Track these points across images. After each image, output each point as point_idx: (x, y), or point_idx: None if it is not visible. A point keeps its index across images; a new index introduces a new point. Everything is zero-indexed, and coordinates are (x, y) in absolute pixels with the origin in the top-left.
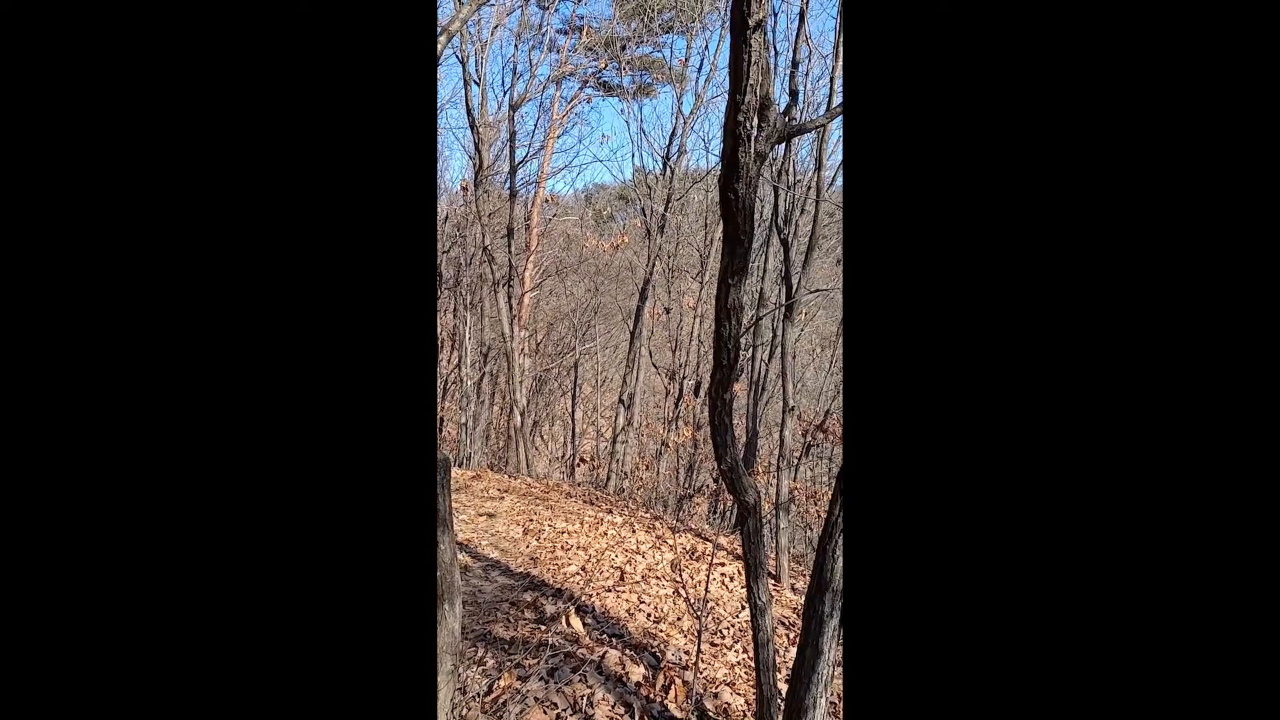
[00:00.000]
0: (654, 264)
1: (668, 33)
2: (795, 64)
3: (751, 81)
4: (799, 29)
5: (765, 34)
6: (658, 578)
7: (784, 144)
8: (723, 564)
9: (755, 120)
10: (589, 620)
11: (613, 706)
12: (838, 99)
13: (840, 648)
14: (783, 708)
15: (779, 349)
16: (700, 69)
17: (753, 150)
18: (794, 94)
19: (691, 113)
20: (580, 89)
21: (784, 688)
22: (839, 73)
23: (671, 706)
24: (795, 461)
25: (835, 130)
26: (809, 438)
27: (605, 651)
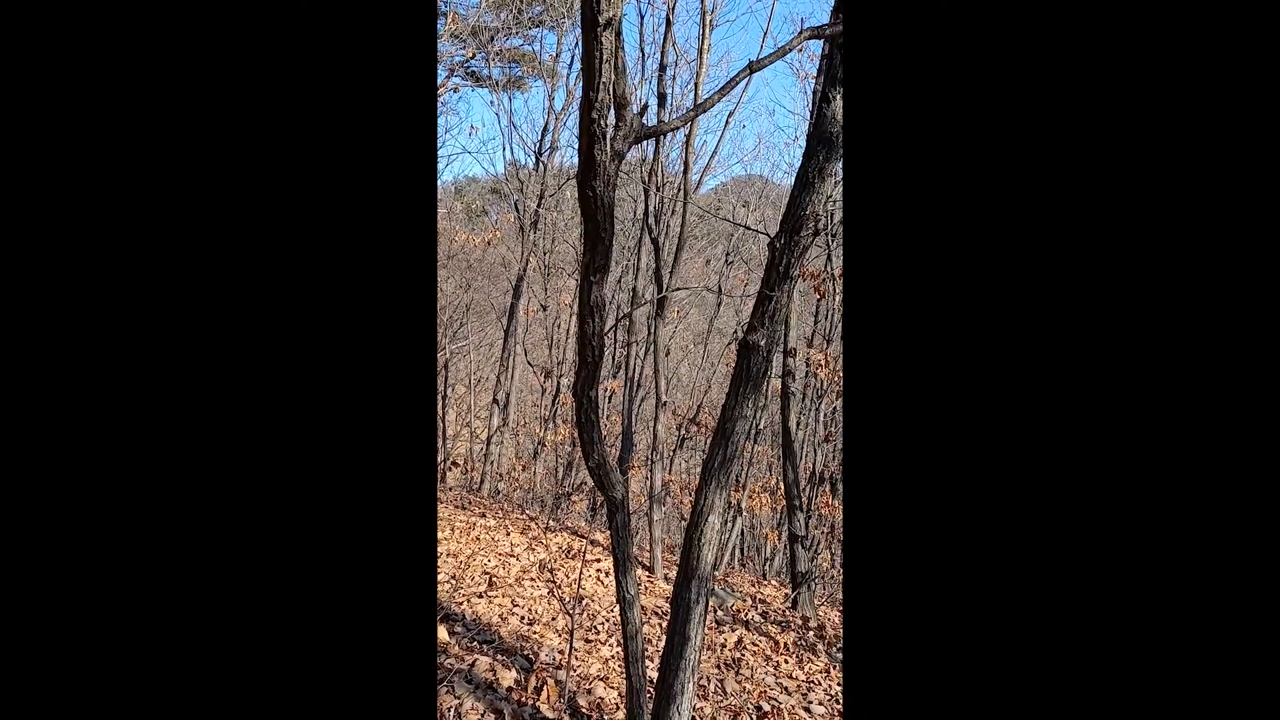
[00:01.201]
0: (528, 260)
1: (538, 27)
2: (663, 67)
3: (604, 79)
4: (666, 33)
5: (618, 33)
6: (531, 579)
7: (654, 146)
8: (599, 560)
9: (610, 118)
10: (458, 629)
11: (482, 715)
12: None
13: (704, 632)
14: (653, 695)
15: (653, 346)
16: (571, 65)
17: (609, 148)
18: (662, 97)
19: (564, 109)
20: (447, 78)
21: (656, 676)
22: (703, 77)
23: (544, 708)
24: (671, 455)
25: (702, 135)
26: (683, 431)
27: (475, 659)
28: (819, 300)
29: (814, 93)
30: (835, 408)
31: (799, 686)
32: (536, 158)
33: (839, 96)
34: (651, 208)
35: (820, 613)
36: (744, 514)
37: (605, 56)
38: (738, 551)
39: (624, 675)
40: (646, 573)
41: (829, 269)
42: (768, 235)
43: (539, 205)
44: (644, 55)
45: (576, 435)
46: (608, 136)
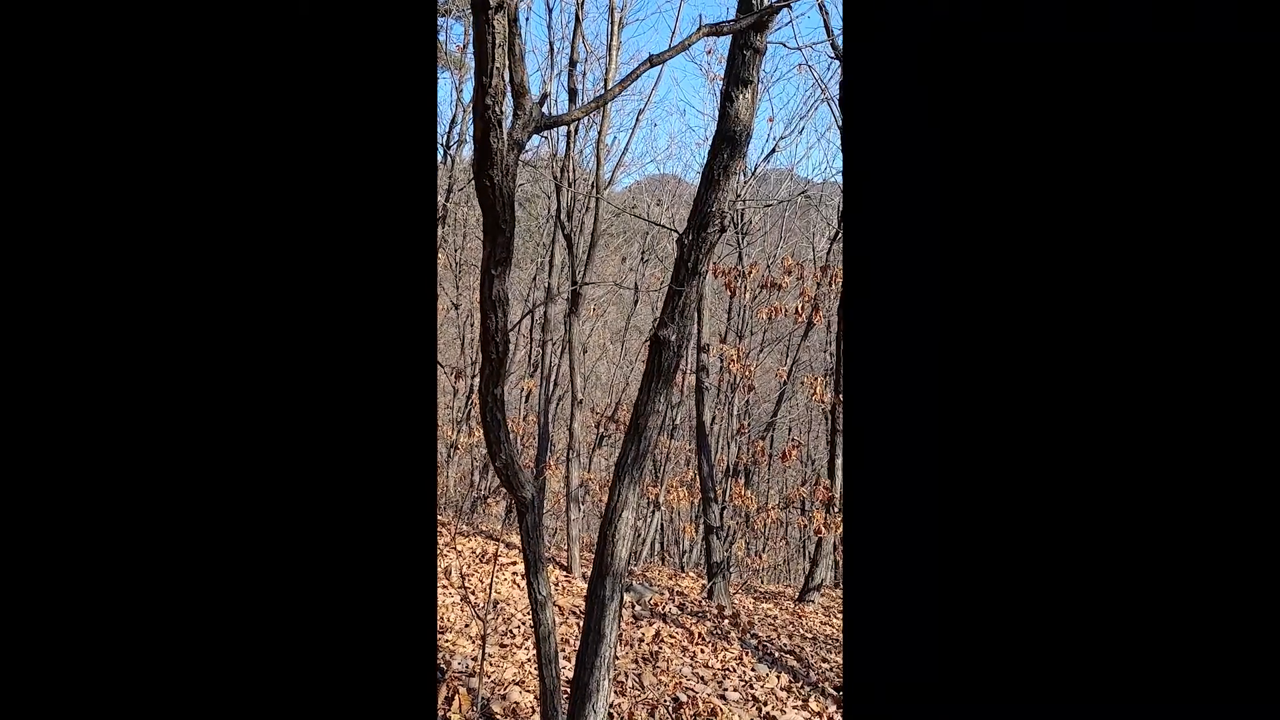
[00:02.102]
0: (437, 257)
1: (444, 16)
2: (573, 63)
3: (497, 64)
4: (576, 29)
5: (512, 19)
6: (443, 587)
7: (565, 142)
8: (514, 563)
9: (505, 105)
10: None
11: None
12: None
13: (620, 628)
14: (569, 694)
15: (568, 343)
16: None
17: (505, 137)
18: (572, 93)
19: (471, 101)
20: None
21: (572, 675)
22: (614, 74)
23: (455, 717)
24: (590, 453)
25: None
26: (601, 429)
27: None
28: (731, 297)
29: (720, 93)
30: (748, 401)
31: (714, 675)
32: (444, 150)
33: (742, 95)
34: (563, 204)
35: (735, 601)
36: (662, 508)
37: (498, 41)
38: (656, 545)
39: (539, 678)
40: (564, 572)
41: (740, 266)
42: (677, 231)
43: (447, 200)
44: (554, 50)
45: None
46: (504, 125)
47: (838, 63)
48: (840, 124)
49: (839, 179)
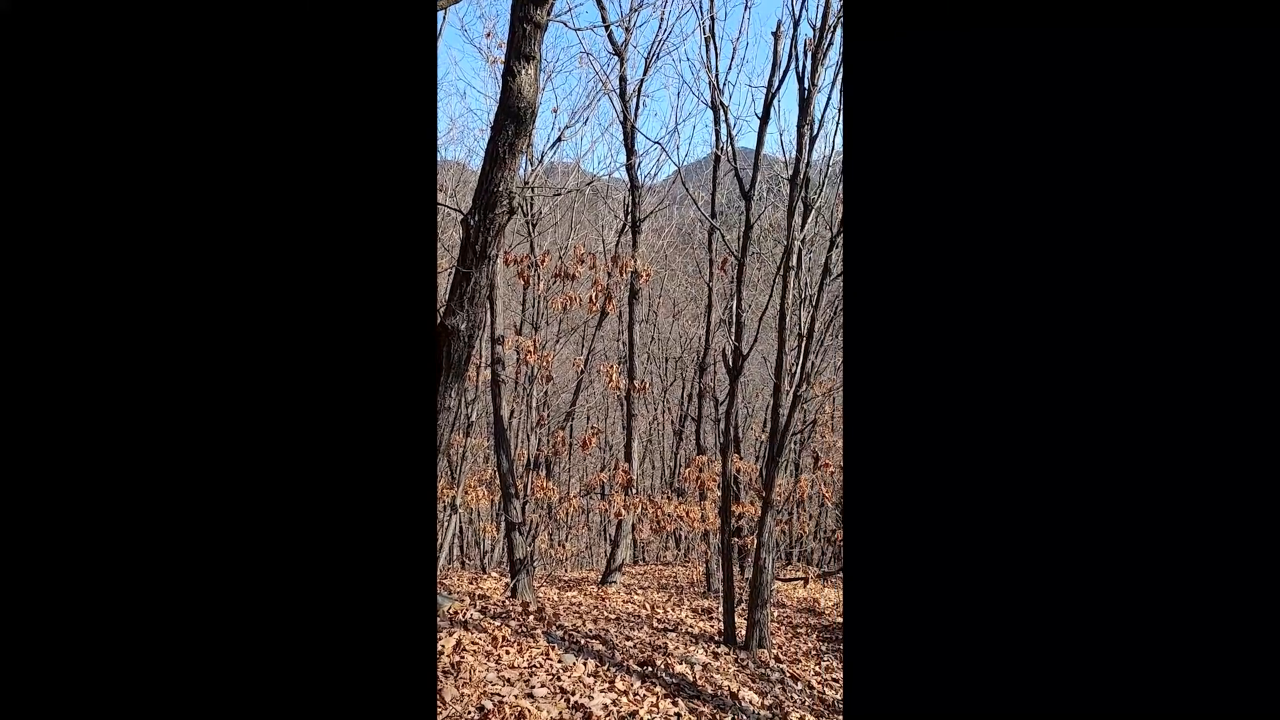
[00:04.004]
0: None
1: None
2: None
3: None
4: None
5: None
6: None
7: None
8: None
9: None
10: None
11: None
12: None
13: None
14: None
15: None
16: None
17: None
18: None
19: None
20: None
21: None
22: None
23: None
24: None
25: None
26: None
27: None
28: (525, 287)
29: (502, 69)
30: (546, 392)
31: (520, 675)
32: None
33: (524, 70)
34: None
35: (539, 595)
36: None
37: None
38: (456, 549)
39: None
40: None
41: (532, 256)
42: (462, 212)
43: None
44: None
45: None
46: None
47: (616, 58)
48: (621, 118)
49: (623, 174)
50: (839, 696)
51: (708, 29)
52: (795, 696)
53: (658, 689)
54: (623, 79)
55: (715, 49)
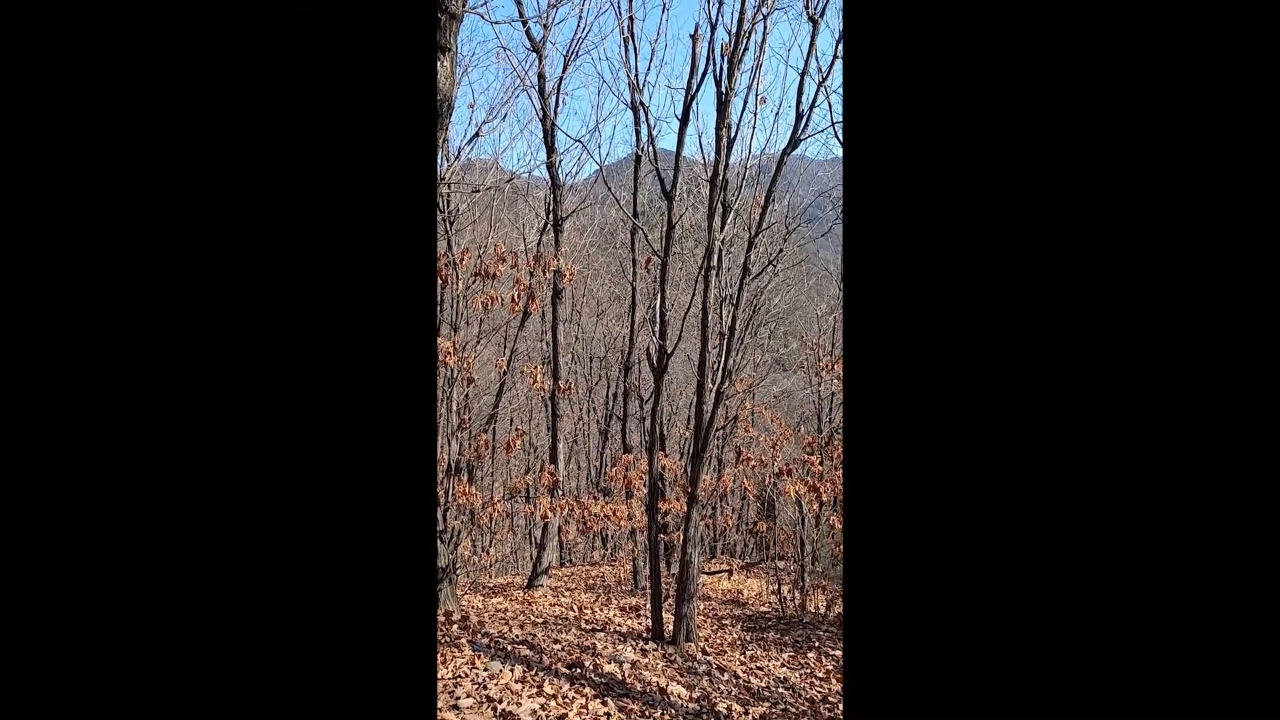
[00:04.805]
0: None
1: None
2: None
3: None
4: None
5: None
6: None
7: None
8: None
9: None
10: None
11: None
12: None
13: None
14: None
15: None
16: None
17: None
18: None
19: None
20: None
21: None
22: None
23: None
24: None
25: None
26: None
27: None
28: (443, 286)
29: None
30: (468, 394)
31: (445, 686)
32: None
33: (440, 63)
34: None
35: (463, 603)
36: None
37: None
38: None
39: None
40: None
41: (450, 254)
42: None
43: None
44: None
45: None
46: None
47: (535, 55)
48: (541, 116)
49: (543, 171)
50: (764, 684)
51: (626, 29)
52: (722, 687)
53: (587, 690)
54: (541, 76)
55: (635, 49)
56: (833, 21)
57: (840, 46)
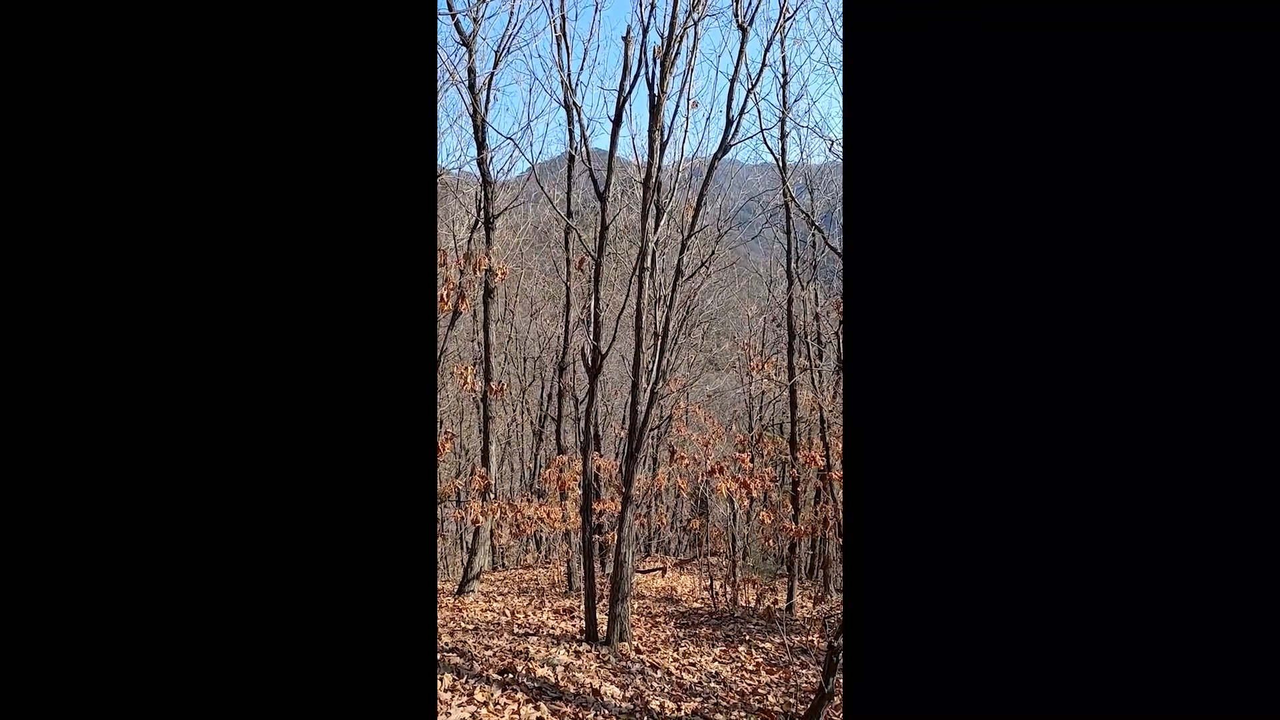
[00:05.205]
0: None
1: None
2: None
3: None
4: None
5: None
6: None
7: None
8: None
9: None
10: None
11: None
12: None
13: None
14: None
15: None
16: None
17: None
18: None
19: None
20: None
21: None
22: None
23: None
24: None
25: None
26: None
27: None
28: None
29: None
30: None
31: None
32: None
33: None
34: None
35: None
36: None
37: None
38: None
39: None
40: None
41: None
42: None
43: None
44: None
45: None
46: None
47: (465, 49)
48: (471, 111)
49: (474, 168)
50: (696, 680)
51: (559, 28)
52: (655, 685)
53: (519, 695)
54: (471, 70)
55: (567, 48)
56: (761, 30)
57: (767, 54)
